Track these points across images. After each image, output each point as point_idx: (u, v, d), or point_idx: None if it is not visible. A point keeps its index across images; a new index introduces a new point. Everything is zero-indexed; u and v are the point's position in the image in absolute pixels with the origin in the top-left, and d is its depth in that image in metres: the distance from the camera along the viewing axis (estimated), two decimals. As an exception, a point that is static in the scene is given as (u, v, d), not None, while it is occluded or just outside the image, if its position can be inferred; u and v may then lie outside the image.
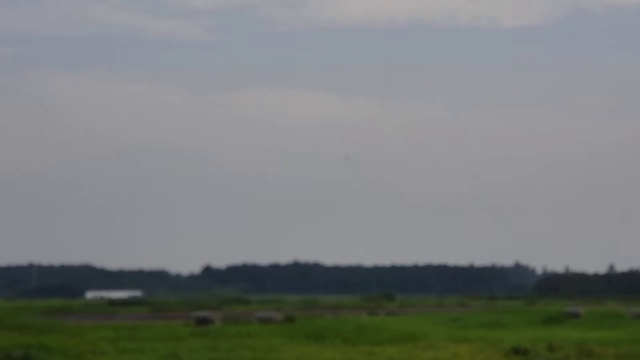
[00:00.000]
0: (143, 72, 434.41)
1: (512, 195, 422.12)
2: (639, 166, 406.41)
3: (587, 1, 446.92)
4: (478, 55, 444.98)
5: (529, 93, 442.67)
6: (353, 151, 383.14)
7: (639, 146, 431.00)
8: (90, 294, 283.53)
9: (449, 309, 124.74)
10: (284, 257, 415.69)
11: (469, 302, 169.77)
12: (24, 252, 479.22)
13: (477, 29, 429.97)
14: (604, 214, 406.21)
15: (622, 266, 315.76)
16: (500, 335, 59.82)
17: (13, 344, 50.66)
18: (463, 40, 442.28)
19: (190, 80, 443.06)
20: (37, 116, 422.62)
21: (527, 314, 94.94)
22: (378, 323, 72.16)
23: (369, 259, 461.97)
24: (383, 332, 60.04)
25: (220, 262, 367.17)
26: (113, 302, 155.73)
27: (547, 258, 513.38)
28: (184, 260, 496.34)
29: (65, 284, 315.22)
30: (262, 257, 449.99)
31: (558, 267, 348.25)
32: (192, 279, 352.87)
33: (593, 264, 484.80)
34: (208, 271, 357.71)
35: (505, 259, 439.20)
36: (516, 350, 48.10)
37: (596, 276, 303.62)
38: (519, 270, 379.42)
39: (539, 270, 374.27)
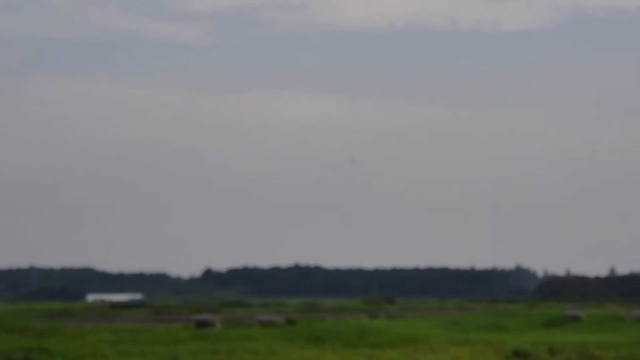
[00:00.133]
0: (143, 75, 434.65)
1: (512, 198, 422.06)
2: (639, 168, 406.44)
3: (588, 5, 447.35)
4: (479, 59, 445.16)
5: (530, 96, 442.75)
6: (353, 153, 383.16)
7: (639, 148, 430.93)
8: (91, 297, 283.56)
9: (449, 312, 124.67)
10: (284, 260, 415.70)
11: (469, 305, 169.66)
12: (25, 255, 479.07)
13: (478, 32, 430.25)
14: (605, 217, 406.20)
15: (623, 269, 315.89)
16: (501, 339, 59.76)
17: (13, 347, 50.63)
18: (464, 43, 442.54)
19: (191, 83, 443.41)
20: (37, 119, 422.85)
21: (528, 317, 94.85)
22: (379, 326, 72.08)
23: (369, 262, 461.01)
24: (384, 335, 59.98)
25: (221, 265, 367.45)
26: (114, 305, 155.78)
27: (548, 261, 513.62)
28: (185, 263, 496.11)
29: (65, 287, 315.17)
30: (263, 260, 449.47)
31: (559, 270, 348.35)
32: (192, 282, 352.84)
33: (594, 267, 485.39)
34: (208, 274, 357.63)
35: (506, 262, 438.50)
36: (517, 353, 48.05)
37: (597, 279, 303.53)
38: (520, 273, 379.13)
39: (539, 273, 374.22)
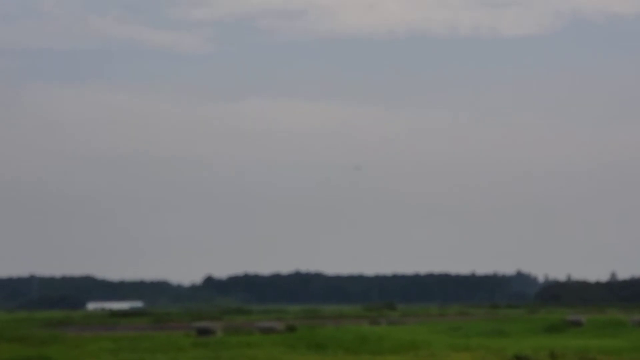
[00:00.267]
0: (143, 83, 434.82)
1: (513, 203, 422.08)
2: (639, 173, 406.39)
3: (587, 11, 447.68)
4: (478, 65, 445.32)
5: (530, 101, 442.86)
6: (353, 160, 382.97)
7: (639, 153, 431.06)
8: (92, 305, 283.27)
9: (450, 318, 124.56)
10: (285, 266, 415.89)
11: (470, 310, 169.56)
12: (25, 263, 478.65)
13: (477, 38, 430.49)
14: (606, 222, 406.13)
15: (623, 274, 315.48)
16: (502, 344, 59.69)
17: (14, 356, 50.56)
18: (463, 50, 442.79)
19: (191, 91, 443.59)
20: (37, 128, 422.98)
21: (529, 322, 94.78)
22: (380, 332, 72.01)
23: (370, 268, 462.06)
24: (385, 342, 59.91)
25: (222, 272, 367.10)
26: (114, 313, 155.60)
27: (549, 266, 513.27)
28: (185, 271, 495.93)
29: (66, 295, 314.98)
30: (263, 267, 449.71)
31: (560, 275, 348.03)
32: (193, 289, 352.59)
33: (595, 272, 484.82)
34: (209, 281, 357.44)
35: (506, 267, 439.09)
36: (518, 359, 48.00)
37: (598, 284, 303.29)
38: (521, 278, 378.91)
39: (540, 279, 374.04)
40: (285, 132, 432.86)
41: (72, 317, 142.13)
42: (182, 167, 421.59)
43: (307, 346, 57.52)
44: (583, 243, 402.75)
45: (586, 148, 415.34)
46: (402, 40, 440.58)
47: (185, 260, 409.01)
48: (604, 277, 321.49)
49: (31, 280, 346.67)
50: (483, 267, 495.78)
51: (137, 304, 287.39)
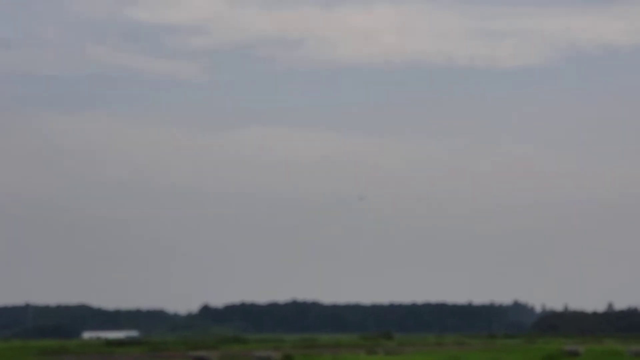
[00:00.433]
0: (142, 111, 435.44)
1: (510, 234, 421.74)
2: (635, 205, 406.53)
3: (583, 42, 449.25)
4: (475, 95, 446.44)
5: (527, 132, 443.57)
6: (351, 189, 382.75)
7: (635, 186, 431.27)
8: (87, 334, 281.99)
9: (448, 348, 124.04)
10: (282, 295, 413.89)
11: (468, 340, 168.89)
12: (20, 292, 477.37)
13: (473, 69, 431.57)
14: (602, 253, 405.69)
15: (620, 304, 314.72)
16: (500, 374, 59.32)
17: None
18: (460, 80, 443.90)
19: (190, 119, 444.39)
20: (33, 155, 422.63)
21: (526, 352, 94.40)
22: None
23: (367, 297, 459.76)
24: (382, 371, 59.53)
25: (218, 301, 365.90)
26: (110, 343, 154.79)
27: (546, 296, 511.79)
28: (182, 300, 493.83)
29: (61, 324, 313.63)
30: (260, 296, 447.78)
31: (557, 305, 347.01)
32: (189, 318, 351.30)
33: (592, 303, 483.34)
34: (206, 310, 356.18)
35: (504, 297, 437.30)
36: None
37: (595, 314, 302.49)
38: (518, 308, 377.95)
39: (537, 309, 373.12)
40: (283, 160, 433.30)
41: (67, 346, 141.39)
42: (178, 194, 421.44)
43: (303, 376, 57.22)
44: (580, 273, 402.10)
45: (581, 180, 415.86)
46: (398, 71, 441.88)
47: (181, 289, 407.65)
48: (601, 307, 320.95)
49: (26, 309, 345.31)
50: (480, 296, 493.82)
51: (133, 333, 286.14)
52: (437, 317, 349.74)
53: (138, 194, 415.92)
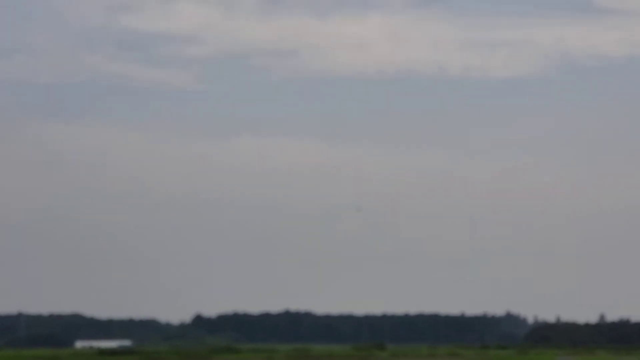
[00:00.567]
0: (136, 120, 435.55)
1: (503, 245, 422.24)
2: (628, 218, 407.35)
3: (576, 53, 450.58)
4: (467, 105, 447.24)
5: (520, 142, 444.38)
6: (345, 199, 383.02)
7: (629, 198, 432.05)
8: (80, 344, 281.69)
9: (440, 358, 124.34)
10: (274, 306, 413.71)
11: (460, 351, 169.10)
12: (13, 301, 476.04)
13: (466, 79, 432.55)
14: (595, 264, 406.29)
15: (612, 316, 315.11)
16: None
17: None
18: (452, 90, 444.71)
19: (183, 127, 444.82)
20: (26, 164, 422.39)
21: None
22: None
23: (360, 307, 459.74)
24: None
25: (211, 311, 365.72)
26: (102, 352, 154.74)
27: (538, 307, 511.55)
28: (175, 309, 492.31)
29: (54, 333, 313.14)
30: (253, 306, 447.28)
31: (549, 316, 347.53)
32: (182, 328, 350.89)
33: (584, 314, 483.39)
34: (199, 320, 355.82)
35: (496, 309, 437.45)
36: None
37: (587, 326, 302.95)
38: (510, 319, 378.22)
39: (530, 320, 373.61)
40: (277, 170, 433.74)
41: (60, 355, 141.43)
42: (171, 203, 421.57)
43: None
44: (572, 285, 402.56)
45: (575, 190, 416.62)
46: (391, 80, 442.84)
47: (174, 299, 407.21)
48: (593, 318, 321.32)
49: (19, 318, 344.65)
50: (473, 307, 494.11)
51: (126, 342, 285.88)
52: (430, 327, 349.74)
53: (131, 203, 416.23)
